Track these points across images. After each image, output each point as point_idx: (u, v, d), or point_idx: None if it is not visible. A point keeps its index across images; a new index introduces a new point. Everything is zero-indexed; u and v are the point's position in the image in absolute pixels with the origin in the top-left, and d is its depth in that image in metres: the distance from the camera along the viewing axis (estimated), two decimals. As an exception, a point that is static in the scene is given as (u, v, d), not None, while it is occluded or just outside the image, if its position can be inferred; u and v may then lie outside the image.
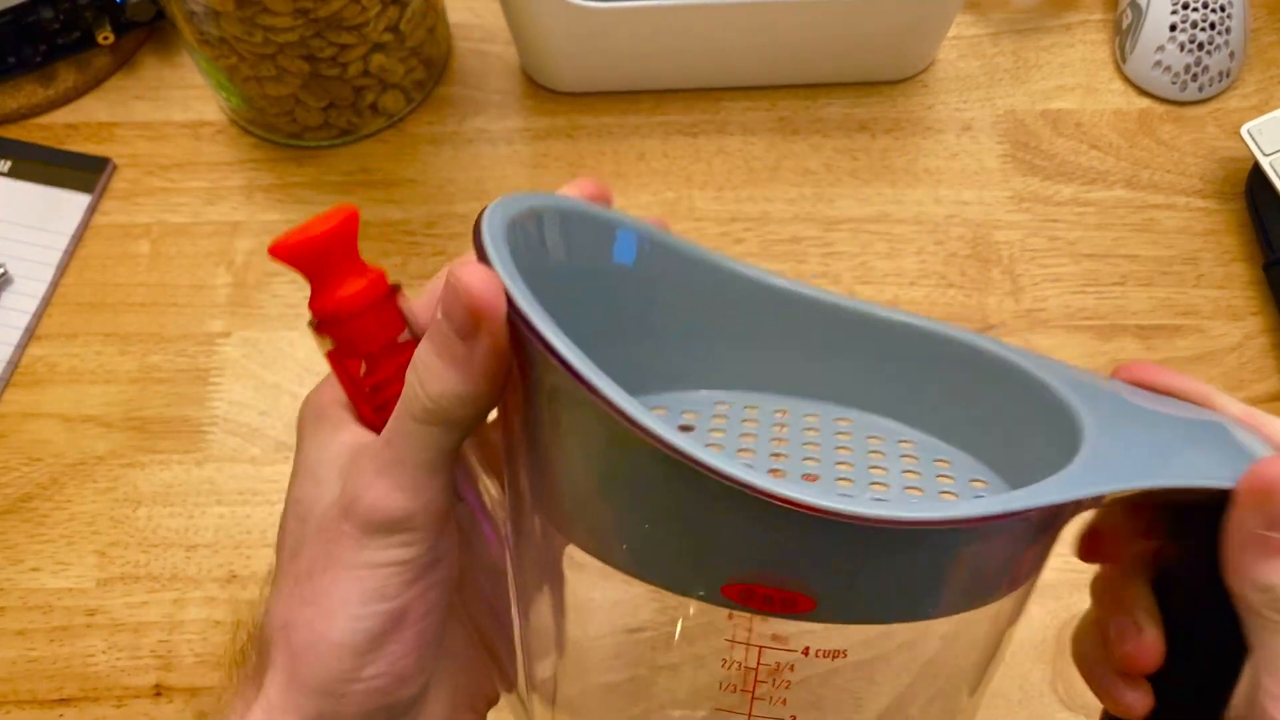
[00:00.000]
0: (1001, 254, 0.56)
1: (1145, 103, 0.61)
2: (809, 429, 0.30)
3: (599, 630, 0.29)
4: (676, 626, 0.28)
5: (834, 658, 0.25)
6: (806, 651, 0.25)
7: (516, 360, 0.24)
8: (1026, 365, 0.28)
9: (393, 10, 0.54)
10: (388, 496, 0.25)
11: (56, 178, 0.58)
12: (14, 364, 0.53)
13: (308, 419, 0.29)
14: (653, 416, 0.21)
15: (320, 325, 0.27)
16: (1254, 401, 0.53)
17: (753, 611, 0.23)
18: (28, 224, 0.56)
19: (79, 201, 0.57)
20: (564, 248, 0.28)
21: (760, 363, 0.31)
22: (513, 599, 0.29)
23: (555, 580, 0.27)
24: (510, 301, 0.23)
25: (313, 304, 0.27)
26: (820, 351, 0.30)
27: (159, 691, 0.47)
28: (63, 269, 0.56)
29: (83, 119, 0.60)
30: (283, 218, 0.56)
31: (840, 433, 0.30)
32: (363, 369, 0.28)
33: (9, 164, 0.58)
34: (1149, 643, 0.29)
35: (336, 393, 0.29)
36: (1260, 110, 0.60)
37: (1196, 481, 0.25)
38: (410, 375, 0.25)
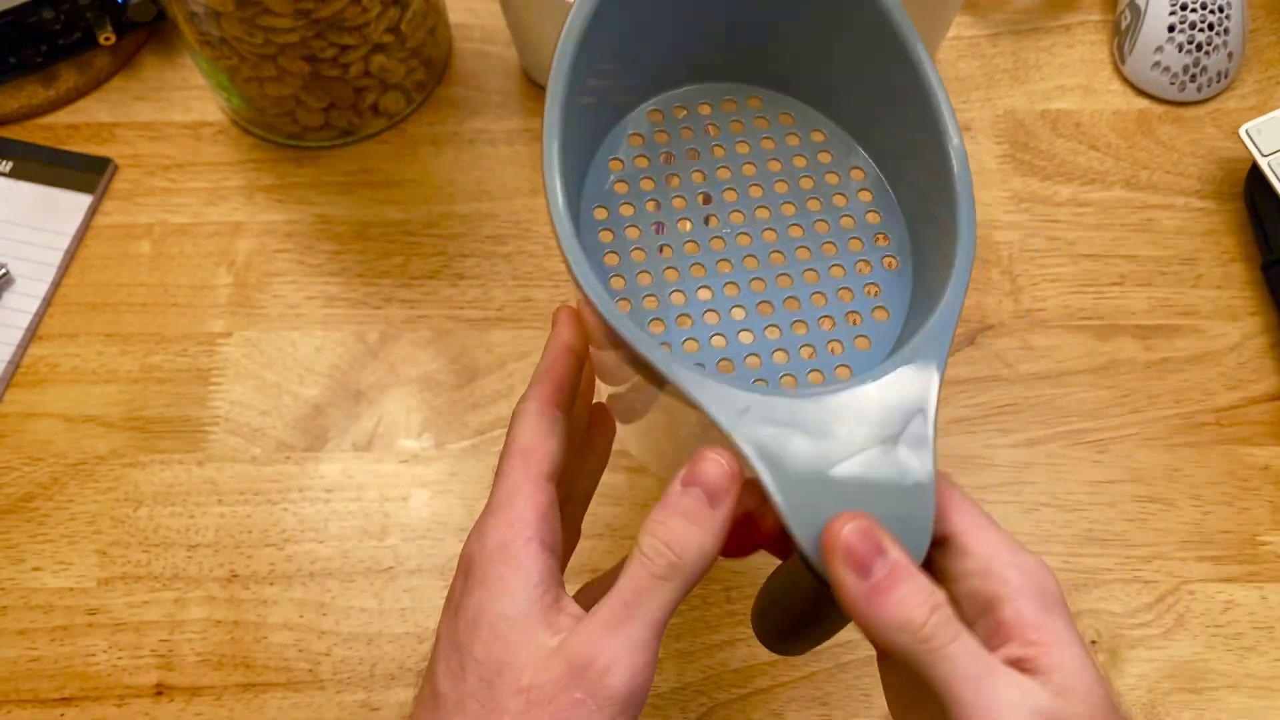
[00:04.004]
0: (1000, 254, 0.56)
1: (1144, 103, 0.61)
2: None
3: None
4: None
5: None
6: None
7: None
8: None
9: (393, 11, 0.54)
10: (624, 660, 0.28)
11: (58, 178, 0.58)
12: (15, 364, 0.53)
13: (493, 556, 0.30)
14: None
15: None
16: (1253, 402, 0.53)
17: None
18: (29, 224, 0.57)
19: (80, 202, 0.57)
20: None
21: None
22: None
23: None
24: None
25: None
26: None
27: (160, 691, 0.47)
28: (64, 269, 0.56)
29: (84, 119, 0.60)
30: (283, 218, 0.56)
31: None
32: None
33: (10, 164, 0.58)
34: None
35: (524, 529, 0.31)
36: (1259, 111, 0.60)
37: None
38: (648, 540, 0.29)
